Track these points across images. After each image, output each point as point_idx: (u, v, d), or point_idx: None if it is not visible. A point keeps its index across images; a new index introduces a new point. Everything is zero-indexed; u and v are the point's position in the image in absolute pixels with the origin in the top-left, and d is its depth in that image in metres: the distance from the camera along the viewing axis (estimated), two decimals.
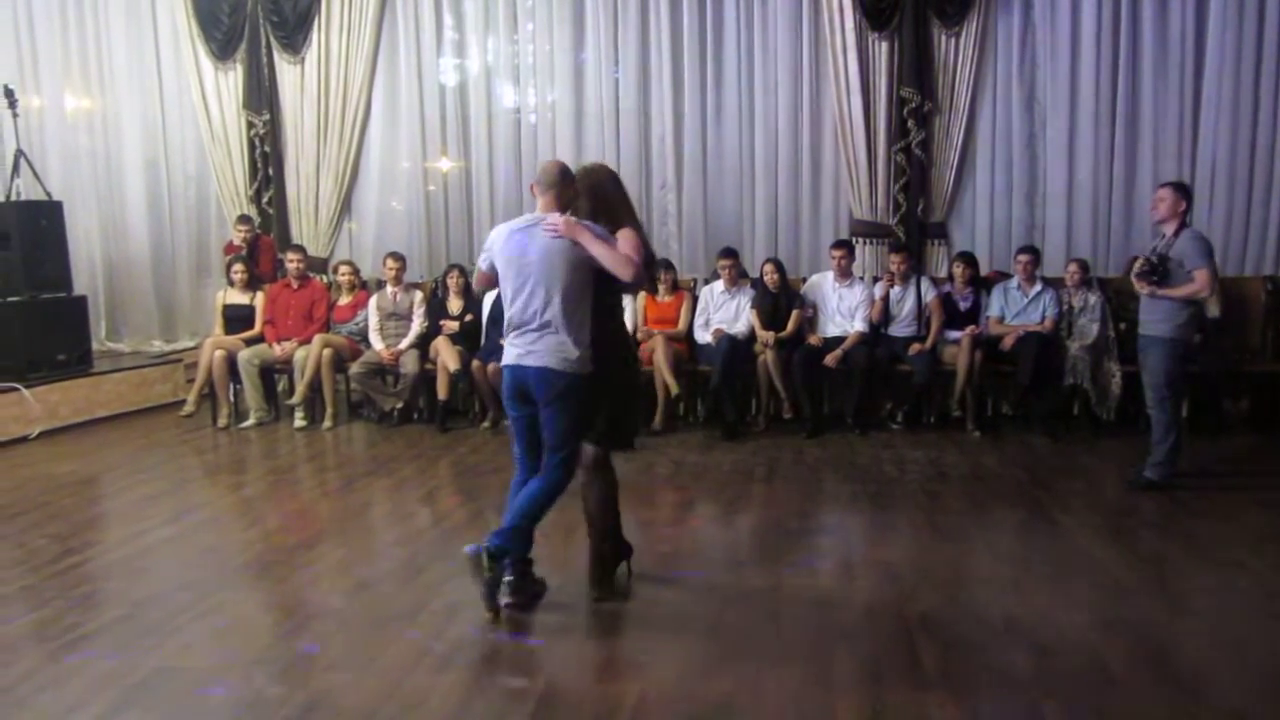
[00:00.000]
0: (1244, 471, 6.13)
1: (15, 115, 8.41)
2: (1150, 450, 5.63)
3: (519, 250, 3.87)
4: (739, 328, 7.43)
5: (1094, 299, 7.25)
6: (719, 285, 7.64)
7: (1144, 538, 4.76)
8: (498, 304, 7.87)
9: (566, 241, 3.78)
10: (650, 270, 4.05)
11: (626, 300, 7.78)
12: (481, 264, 4.10)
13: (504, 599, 3.83)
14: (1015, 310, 7.35)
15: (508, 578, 3.84)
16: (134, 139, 9.72)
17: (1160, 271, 5.46)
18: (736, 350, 7.19)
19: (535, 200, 3.99)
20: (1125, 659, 3.33)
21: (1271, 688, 3.14)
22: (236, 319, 8.18)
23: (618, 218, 3.94)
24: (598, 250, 3.76)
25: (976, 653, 3.44)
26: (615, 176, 4.14)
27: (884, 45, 8.21)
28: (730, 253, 7.68)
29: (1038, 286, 7.33)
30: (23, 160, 8.32)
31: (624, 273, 3.75)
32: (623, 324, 4.23)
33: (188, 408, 8.03)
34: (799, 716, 3.01)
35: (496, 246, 3.96)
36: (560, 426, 3.86)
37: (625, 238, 3.85)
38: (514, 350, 3.89)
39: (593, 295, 3.86)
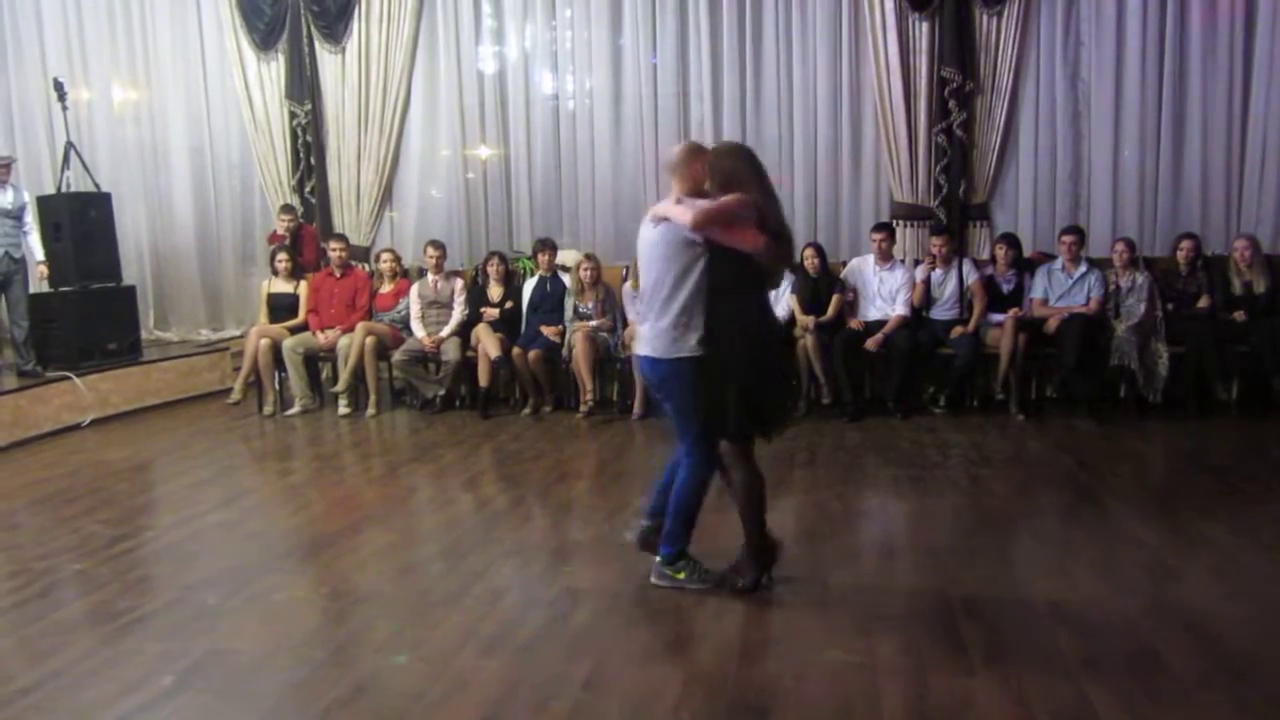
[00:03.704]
0: None
1: (65, 108, 8.54)
2: None
3: (640, 239, 3.92)
4: (779, 312, 7.38)
5: (1141, 279, 7.15)
6: None
7: (1194, 522, 4.68)
8: (537, 291, 7.96)
9: (665, 225, 3.75)
10: (782, 248, 3.79)
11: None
12: None
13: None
14: (1059, 292, 7.26)
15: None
16: (179, 130, 9.84)
17: None
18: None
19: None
20: (1175, 645, 3.29)
21: None
22: (281, 308, 8.28)
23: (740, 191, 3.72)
24: (674, 213, 3.68)
25: (1022, 637, 3.42)
26: (744, 152, 3.89)
27: (924, 26, 8.10)
28: None
29: (1082, 267, 7.23)
30: (72, 152, 8.45)
31: (686, 221, 3.60)
32: (744, 309, 3.80)
33: (234, 396, 8.14)
34: (843, 701, 3.01)
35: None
36: (675, 413, 3.86)
37: (720, 200, 3.68)
38: (638, 340, 3.96)
39: (706, 279, 3.70)
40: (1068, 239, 7.26)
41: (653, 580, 3.94)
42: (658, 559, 3.96)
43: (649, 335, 3.82)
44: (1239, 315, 7.02)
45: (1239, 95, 7.82)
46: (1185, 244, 7.27)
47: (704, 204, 3.66)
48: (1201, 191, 7.93)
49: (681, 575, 3.91)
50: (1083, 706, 2.90)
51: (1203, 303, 7.11)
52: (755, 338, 3.79)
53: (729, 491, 3.94)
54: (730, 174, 3.76)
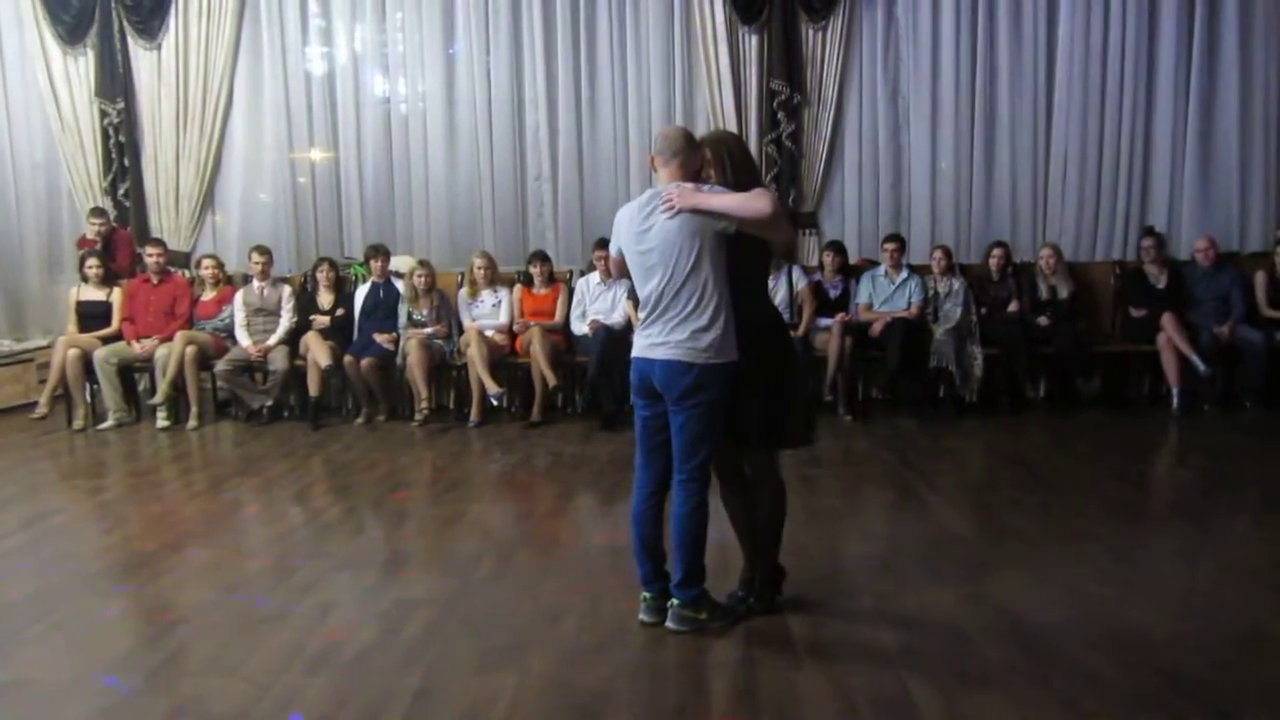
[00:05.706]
0: (1096, 446, 6.46)
1: None
2: None
3: (641, 232, 3.49)
4: (615, 319, 7.46)
5: (957, 284, 7.53)
6: (595, 277, 7.66)
7: (1005, 513, 4.95)
8: (370, 297, 7.78)
9: (689, 216, 3.37)
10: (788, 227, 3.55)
11: (501, 293, 7.77)
12: (612, 250, 3.76)
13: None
14: (883, 297, 7.57)
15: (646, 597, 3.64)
16: None
17: None
18: (613, 341, 7.20)
19: (656, 174, 3.61)
20: (985, 630, 3.47)
21: (1118, 647, 3.31)
22: (92, 316, 7.82)
23: (749, 186, 3.45)
24: (721, 203, 3.33)
25: (846, 631, 3.53)
26: (741, 141, 3.73)
27: (754, 39, 8.32)
28: (606, 244, 7.56)
29: (903, 273, 7.57)
30: None
31: (759, 207, 3.28)
32: (771, 305, 3.78)
33: (40, 410, 7.60)
34: (676, 698, 3.05)
35: (621, 230, 3.63)
36: (691, 430, 3.43)
37: (755, 190, 3.40)
38: (642, 341, 3.52)
39: (732, 274, 3.44)
40: (890, 246, 7.59)
41: (672, 627, 3.50)
42: (674, 603, 3.53)
43: (670, 338, 3.40)
44: (1043, 320, 7.48)
45: (1043, 115, 8.37)
46: (996, 251, 7.70)
47: (765, 195, 3.33)
48: (1010, 202, 8.43)
49: (704, 615, 3.53)
50: (900, 694, 3.02)
51: (1013, 307, 7.54)
52: (785, 338, 3.66)
53: (732, 509, 3.72)
54: (741, 163, 3.56)
